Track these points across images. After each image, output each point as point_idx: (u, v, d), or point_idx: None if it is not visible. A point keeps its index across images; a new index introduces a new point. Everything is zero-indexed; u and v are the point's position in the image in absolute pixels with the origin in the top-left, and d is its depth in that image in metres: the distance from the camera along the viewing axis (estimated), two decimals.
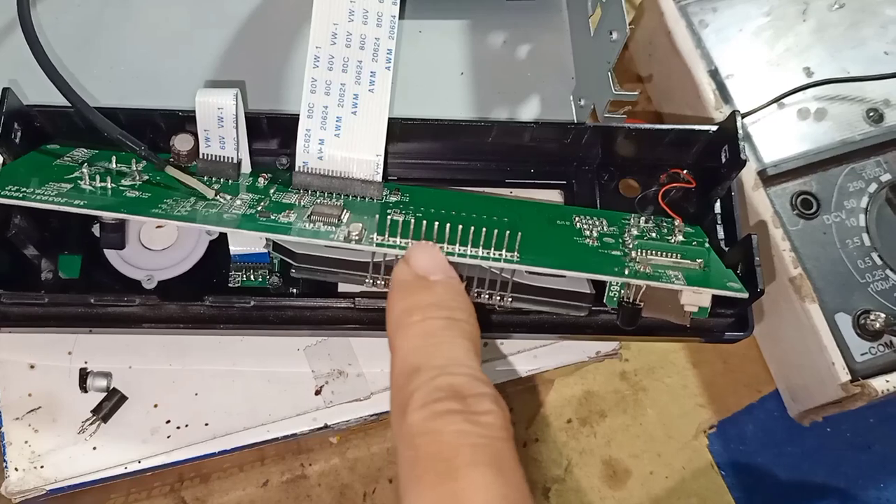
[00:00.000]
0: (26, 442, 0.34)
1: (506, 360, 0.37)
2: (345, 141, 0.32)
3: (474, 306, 0.26)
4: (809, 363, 0.42)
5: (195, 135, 0.33)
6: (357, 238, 0.29)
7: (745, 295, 0.29)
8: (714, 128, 0.34)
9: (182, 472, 0.43)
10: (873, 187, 0.43)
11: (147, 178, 0.32)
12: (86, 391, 0.35)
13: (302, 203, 0.32)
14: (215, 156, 0.33)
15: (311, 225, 0.30)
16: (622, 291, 0.31)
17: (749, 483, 0.49)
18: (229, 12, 0.39)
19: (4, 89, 0.31)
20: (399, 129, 0.34)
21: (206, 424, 0.35)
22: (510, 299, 0.30)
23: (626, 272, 0.30)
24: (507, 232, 0.29)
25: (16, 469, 0.34)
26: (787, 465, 0.49)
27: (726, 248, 0.34)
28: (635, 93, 0.33)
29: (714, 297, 0.30)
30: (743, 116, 0.43)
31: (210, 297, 0.31)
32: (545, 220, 0.33)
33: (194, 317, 0.32)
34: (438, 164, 0.37)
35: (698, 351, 0.51)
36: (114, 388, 0.35)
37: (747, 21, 0.46)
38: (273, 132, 0.34)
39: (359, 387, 0.36)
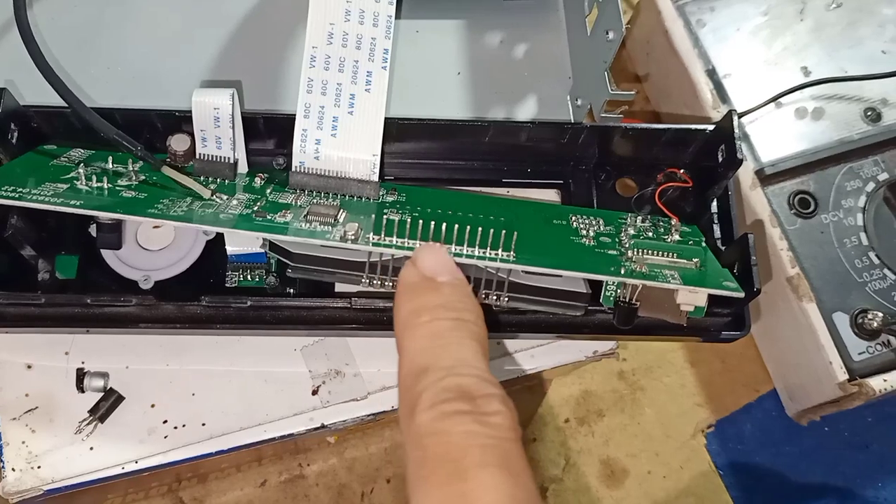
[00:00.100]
0: (23, 442, 0.34)
1: (503, 360, 0.37)
2: (341, 141, 0.32)
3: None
4: (807, 362, 0.42)
5: (192, 135, 0.33)
6: (353, 238, 0.29)
7: (742, 294, 0.29)
8: (711, 127, 0.34)
9: (179, 473, 0.43)
10: (871, 186, 0.43)
11: (143, 178, 0.32)
12: (83, 391, 0.35)
13: (298, 203, 0.32)
14: (212, 156, 0.33)
15: (308, 225, 0.30)
16: (618, 291, 0.31)
17: (747, 482, 0.49)
18: (225, 12, 0.39)
19: (1, 90, 0.32)
20: (396, 129, 0.34)
21: (204, 424, 0.35)
22: (506, 299, 0.30)
23: (623, 271, 0.30)
24: (504, 231, 0.29)
25: (13, 469, 0.34)
26: (785, 465, 0.49)
27: (723, 248, 0.34)
28: (632, 92, 0.32)
29: (710, 296, 0.30)
30: (740, 116, 0.43)
31: (207, 297, 0.31)
32: (542, 220, 0.33)
33: (191, 317, 0.32)
34: (435, 163, 0.37)
35: (696, 350, 0.51)
36: (111, 389, 0.35)
37: (745, 20, 0.46)
38: (270, 132, 0.34)
39: (356, 387, 0.36)
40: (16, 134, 0.33)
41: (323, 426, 0.35)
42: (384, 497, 0.47)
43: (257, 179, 0.33)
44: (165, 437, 0.35)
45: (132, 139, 0.31)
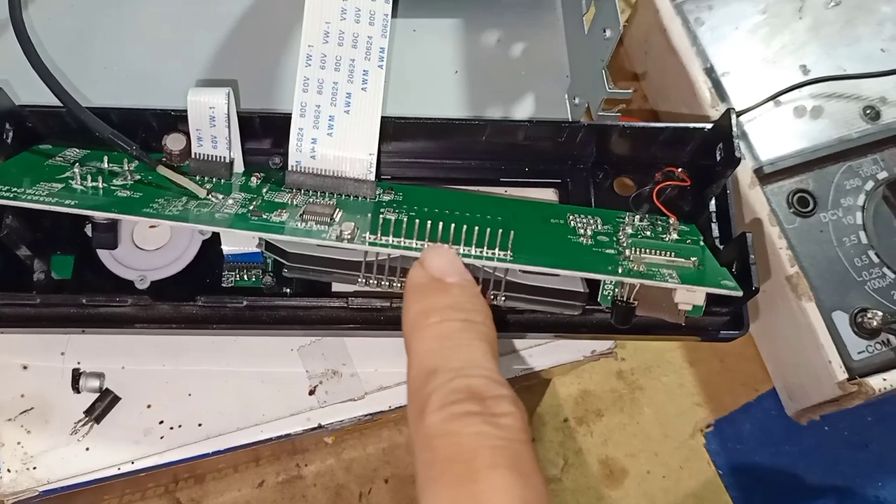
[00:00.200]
0: (19, 443, 0.34)
1: (501, 360, 0.37)
2: (337, 140, 0.32)
3: None
4: (806, 362, 0.42)
5: (187, 134, 0.32)
6: (349, 237, 0.29)
7: (740, 293, 0.29)
8: (709, 126, 0.34)
9: (177, 473, 0.43)
10: (870, 185, 0.43)
11: (139, 177, 0.32)
12: (78, 392, 0.35)
13: (294, 202, 0.32)
14: (207, 155, 0.33)
15: (304, 224, 0.30)
16: (616, 290, 0.31)
17: (746, 482, 0.49)
18: (221, 11, 0.39)
19: None
20: (392, 128, 0.34)
21: (200, 425, 0.35)
22: (504, 298, 0.30)
23: (620, 271, 0.30)
24: (501, 231, 0.29)
25: (8, 470, 0.34)
26: (785, 464, 0.49)
27: (721, 247, 0.34)
28: (629, 91, 0.32)
29: (709, 295, 0.30)
30: (739, 114, 0.43)
31: (203, 297, 0.31)
32: (539, 219, 0.33)
33: (187, 317, 0.32)
34: (432, 163, 0.36)
35: (695, 350, 0.51)
36: (107, 389, 0.35)
37: (743, 19, 0.46)
38: (266, 131, 0.34)
39: (353, 387, 0.36)
40: (11, 133, 0.33)
41: (320, 426, 0.35)
42: (382, 497, 0.47)
43: (253, 179, 0.33)
44: (162, 438, 0.34)
45: (128, 139, 0.31)
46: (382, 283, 0.30)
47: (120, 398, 0.35)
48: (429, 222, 0.29)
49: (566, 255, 0.31)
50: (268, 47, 0.38)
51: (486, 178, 0.37)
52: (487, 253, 0.29)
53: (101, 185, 0.30)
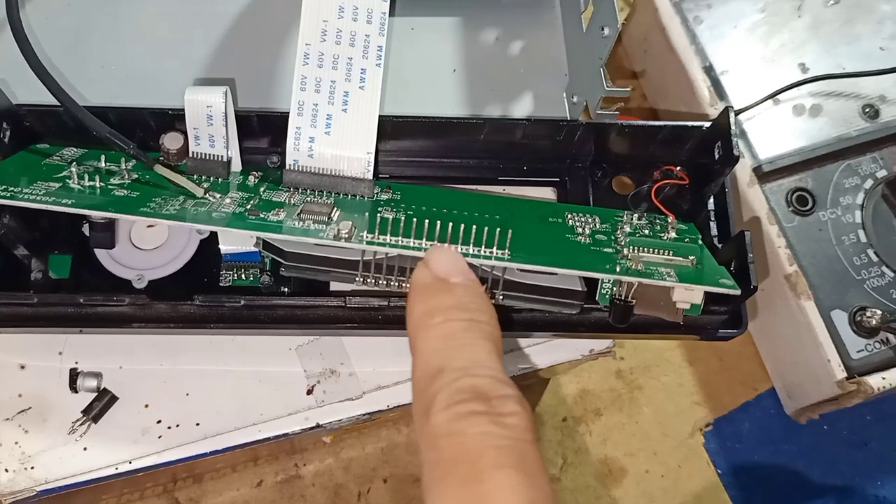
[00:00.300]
0: (16, 443, 0.34)
1: None
2: (335, 138, 0.32)
3: None
4: (805, 360, 0.42)
5: (185, 133, 0.32)
6: (346, 236, 0.29)
7: (738, 292, 0.29)
8: (707, 124, 0.34)
9: (175, 473, 0.43)
10: (869, 183, 0.43)
11: (136, 176, 0.32)
12: (76, 391, 0.34)
13: (292, 201, 0.31)
14: (205, 154, 0.33)
15: (301, 223, 0.30)
16: (614, 289, 0.31)
17: (745, 481, 0.49)
18: (219, 10, 0.39)
19: None
20: (390, 127, 0.34)
21: (198, 424, 0.35)
22: (502, 297, 0.30)
23: (618, 269, 0.30)
24: (499, 229, 0.29)
25: (6, 470, 0.34)
26: (784, 463, 0.49)
27: (720, 245, 0.34)
28: (627, 89, 0.32)
29: (707, 294, 0.30)
30: (738, 113, 0.43)
31: (200, 296, 0.31)
32: (537, 218, 0.33)
33: (185, 316, 0.32)
34: (430, 161, 0.36)
35: (694, 349, 0.51)
36: (104, 389, 0.35)
37: (742, 17, 0.46)
38: (263, 130, 0.34)
39: (351, 386, 0.36)
40: (8, 133, 0.33)
41: (318, 426, 0.35)
42: (381, 497, 0.46)
43: (251, 178, 0.33)
44: (159, 438, 0.34)
45: (125, 138, 0.31)
46: (380, 282, 0.30)
47: (118, 398, 0.35)
48: (426, 221, 0.29)
49: (564, 253, 0.31)
50: (265, 46, 0.38)
51: (484, 177, 0.37)
52: (485, 252, 0.29)
53: (98, 185, 0.30)
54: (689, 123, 0.35)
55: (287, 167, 0.32)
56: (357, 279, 0.30)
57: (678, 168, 0.36)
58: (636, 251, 0.31)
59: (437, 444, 0.22)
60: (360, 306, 0.31)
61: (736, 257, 0.31)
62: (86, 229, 0.34)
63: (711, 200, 0.35)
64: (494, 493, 0.20)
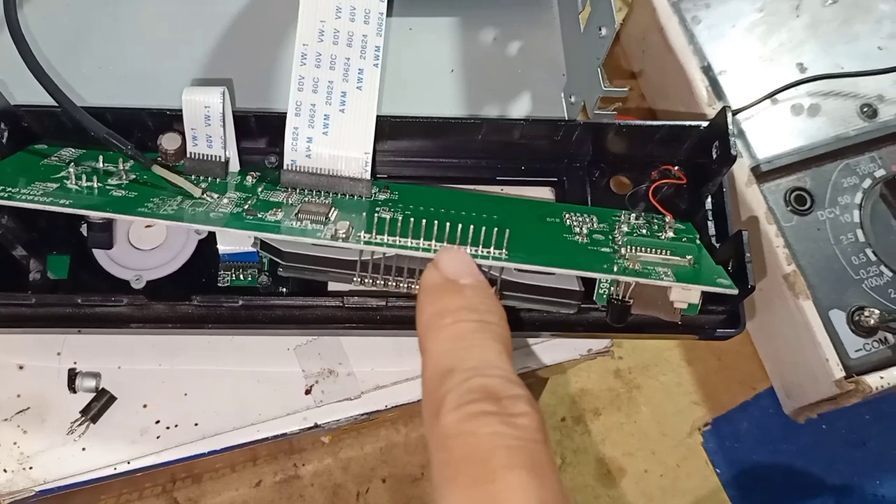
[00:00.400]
0: (15, 443, 0.34)
1: None
2: (333, 139, 0.32)
3: None
4: (804, 360, 0.42)
5: (183, 134, 0.32)
6: (344, 236, 0.29)
7: (735, 291, 0.29)
8: (705, 124, 0.34)
9: (174, 473, 0.43)
10: (867, 183, 0.43)
11: (134, 177, 0.32)
12: (74, 392, 0.35)
13: (290, 201, 0.32)
14: (203, 154, 0.33)
15: (299, 223, 0.30)
16: (612, 288, 0.31)
17: (744, 480, 0.49)
18: (217, 11, 0.39)
19: None
20: (388, 127, 0.34)
21: (196, 424, 0.35)
22: (499, 297, 0.30)
23: (616, 269, 0.30)
24: (497, 229, 0.29)
25: (4, 470, 0.34)
26: (783, 463, 0.49)
27: (717, 245, 0.34)
28: (625, 89, 0.32)
29: (705, 293, 0.30)
30: (736, 112, 0.43)
31: (198, 296, 0.31)
32: (535, 218, 0.33)
33: (183, 317, 0.32)
34: (428, 161, 0.36)
35: (692, 348, 0.51)
36: (103, 389, 0.35)
37: (740, 17, 0.46)
38: (261, 130, 0.34)
39: (349, 386, 0.36)
40: (6, 133, 0.33)
41: (316, 426, 0.35)
42: (380, 497, 0.47)
43: (249, 178, 0.33)
44: (158, 438, 0.34)
45: (123, 138, 0.31)
46: (378, 282, 0.30)
47: (116, 398, 0.35)
48: (424, 221, 0.29)
49: (562, 253, 0.31)
50: (263, 46, 0.38)
51: (482, 177, 0.37)
52: (483, 251, 0.29)
53: (96, 185, 0.30)
54: (687, 123, 0.35)
55: (285, 167, 0.32)
56: (355, 279, 0.30)
57: (676, 168, 0.36)
58: (634, 251, 0.31)
59: (448, 445, 0.22)
60: (359, 306, 0.32)
61: (734, 257, 0.31)
62: (84, 230, 0.34)
63: (709, 200, 0.35)
64: (506, 493, 0.20)
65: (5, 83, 0.35)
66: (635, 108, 0.51)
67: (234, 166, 0.33)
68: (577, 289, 0.31)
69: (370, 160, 0.32)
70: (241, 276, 0.34)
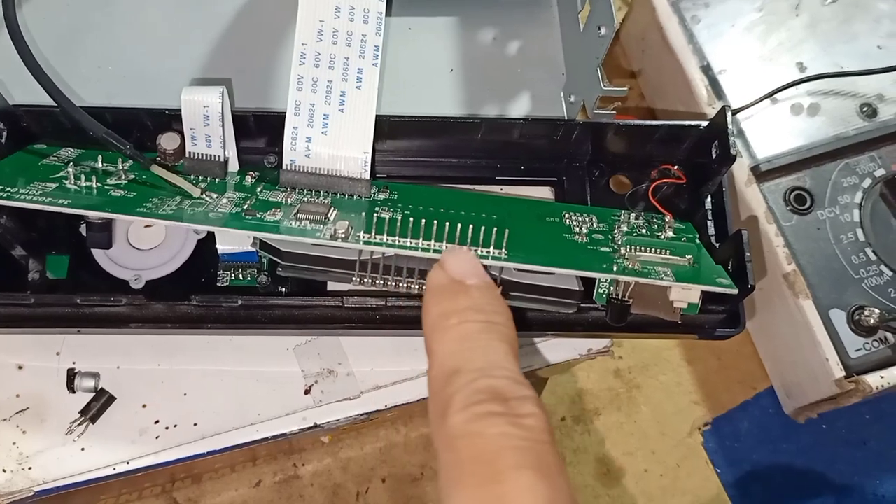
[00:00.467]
0: (14, 443, 0.34)
1: None
2: (332, 138, 0.32)
3: None
4: (804, 359, 0.42)
5: (181, 133, 0.32)
6: (343, 236, 0.29)
7: (735, 291, 0.29)
8: (704, 123, 0.34)
9: (174, 473, 0.43)
10: (867, 182, 0.43)
11: (133, 177, 0.32)
12: (74, 392, 0.34)
13: (289, 201, 0.31)
14: (202, 154, 0.32)
15: (298, 223, 0.30)
16: (611, 288, 0.31)
17: (744, 480, 0.49)
18: (215, 10, 0.39)
19: None
20: (387, 127, 0.34)
21: (195, 425, 0.35)
22: None
23: (615, 269, 0.30)
24: (496, 229, 0.29)
25: (3, 471, 0.33)
26: (783, 462, 0.49)
27: (717, 244, 0.34)
28: (624, 88, 0.32)
29: (705, 293, 0.30)
30: (736, 112, 0.43)
31: (198, 296, 0.31)
32: (534, 217, 0.33)
33: (182, 316, 0.32)
34: (427, 161, 0.36)
35: (692, 348, 0.51)
36: (102, 389, 0.35)
37: (739, 16, 0.45)
38: (260, 130, 0.34)
39: (348, 386, 0.36)
40: (5, 133, 0.33)
41: (316, 426, 0.35)
42: (379, 497, 0.46)
43: (248, 178, 0.33)
44: (157, 438, 0.34)
45: (122, 138, 0.31)
46: (377, 281, 0.30)
47: (115, 398, 0.35)
48: (423, 221, 0.29)
49: (561, 253, 0.31)
50: (262, 46, 0.38)
51: (481, 177, 0.37)
52: (483, 251, 0.29)
53: (95, 185, 0.30)
54: (687, 123, 0.35)
55: (284, 167, 0.32)
56: (354, 279, 0.30)
57: (675, 167, 0.36)
58: (633, 250, 0.31)
59: (455, 445, 0.22)
60: (358, 306, 0.31)
61: (733, 256, 0.31)
62: (83, 229, 0.34)
63: (709, 199, 0.35)
64: (513, 493, 0.20)
65: (4, 83, 0.35)
66: (635, 107, 0.51)
67: (234, 166, 0.33)
68: (577, 288, 0.31)
69: (369, 160, 0.32)
70: (241, 276, 0.34)
